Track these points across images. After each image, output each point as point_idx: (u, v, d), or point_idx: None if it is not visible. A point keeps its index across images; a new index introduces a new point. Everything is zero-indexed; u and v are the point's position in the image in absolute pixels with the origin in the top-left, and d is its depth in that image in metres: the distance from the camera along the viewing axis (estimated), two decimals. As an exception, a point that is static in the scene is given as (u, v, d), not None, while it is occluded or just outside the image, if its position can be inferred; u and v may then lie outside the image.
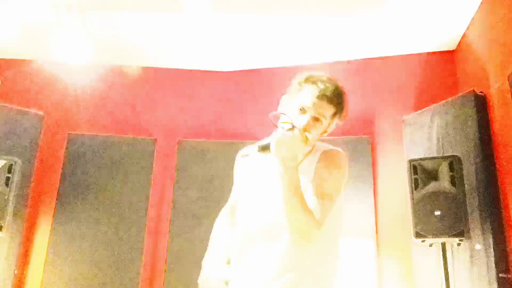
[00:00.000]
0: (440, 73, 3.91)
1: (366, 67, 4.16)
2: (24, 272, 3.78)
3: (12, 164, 3.19)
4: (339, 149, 1.58)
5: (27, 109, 3.93)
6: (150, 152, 4.11)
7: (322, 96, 1.46)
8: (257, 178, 1.55)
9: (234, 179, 1.70)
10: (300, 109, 1.48)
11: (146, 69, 4.48)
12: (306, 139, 1.43)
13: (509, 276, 2.70)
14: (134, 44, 4.12)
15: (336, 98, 1.48)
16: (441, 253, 2.77)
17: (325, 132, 1.54)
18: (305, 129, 1.43)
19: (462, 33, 3.68)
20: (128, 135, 4.19)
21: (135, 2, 3.51)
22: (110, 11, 3.61)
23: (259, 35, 3.93)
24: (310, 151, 1.56)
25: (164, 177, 4.12)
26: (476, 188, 2.94)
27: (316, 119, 1.47)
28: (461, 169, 2.81)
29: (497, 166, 2.96)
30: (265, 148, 1.39)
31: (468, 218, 2.72)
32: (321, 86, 1.47)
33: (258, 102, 4.38)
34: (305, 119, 1.45)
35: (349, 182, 3.90)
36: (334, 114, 1.50)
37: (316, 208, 1.39)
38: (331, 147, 1.57)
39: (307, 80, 1.51)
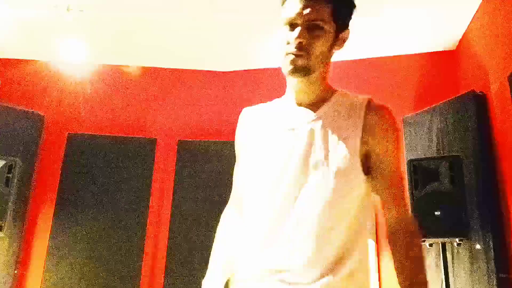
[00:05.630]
0: (440, 73, 3.90)
1: (366, 67, 4.16)
2: (24, 272, 3.77)
3: (12, 164, 3.19)
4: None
5: (27, 109, 3.93)
6: (150, 152, 4.11)
7: None
8: (278, 143, 1.23)
9: (239, 150, 1.35)
10: (289, 25, 1.16)
11: (146, 69, 4.48)
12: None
13: (509, 276, 2.70)
14: (134, 44, 4.13)
15: None
16: (441, 253, 2.77)
17: (338, 43, 1.21)
18: (300, 46, 1.13)
19: (462, 33, 3.68)
20: (128, 135, 4.19)
21: (135, 2, 3.51)
22: (110, 11, 3.61)
23: (259, 35, 3.93)
24: (326, 91, 1.24)
25: (164, 177, 4.12)
26: (476, 188, 2.94)
27: (310, 28, 1.14)
28: (461, 169, 2.81)
29: (497, 166, 2.96)
30: None
31: (468, 218, 2.72)
32: None
33: (258, 102, 4.37)
34: (295, 33, 1.14)
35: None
36: (334, 12, 1.15)
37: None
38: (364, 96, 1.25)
39: None
